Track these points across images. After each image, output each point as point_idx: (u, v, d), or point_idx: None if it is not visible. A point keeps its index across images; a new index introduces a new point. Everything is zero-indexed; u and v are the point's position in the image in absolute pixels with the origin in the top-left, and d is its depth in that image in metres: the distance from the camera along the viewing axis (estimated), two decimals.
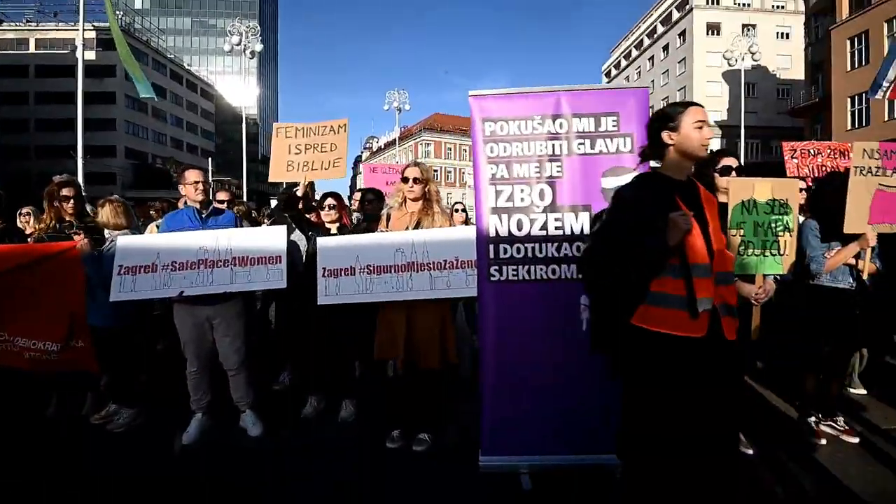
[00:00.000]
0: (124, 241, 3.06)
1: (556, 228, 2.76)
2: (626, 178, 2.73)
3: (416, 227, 3.05)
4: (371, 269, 2.94)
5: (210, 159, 42.46)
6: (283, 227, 3.18)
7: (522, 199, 2.77)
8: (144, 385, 3.76)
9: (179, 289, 2.98)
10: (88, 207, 3.96)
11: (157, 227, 5.23)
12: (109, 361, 3.43)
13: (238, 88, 64.74)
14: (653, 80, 47.87)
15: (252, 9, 72.87)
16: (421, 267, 2.90)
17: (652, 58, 48.54)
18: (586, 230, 2.74)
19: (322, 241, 3.03)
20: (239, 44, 26.91)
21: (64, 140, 43.48)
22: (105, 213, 3.35)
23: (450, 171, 58.84)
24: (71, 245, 3.19)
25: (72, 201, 3.51)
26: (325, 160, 3.41)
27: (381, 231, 3.08)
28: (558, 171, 2.78)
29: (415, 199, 3.09)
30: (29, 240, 3.63)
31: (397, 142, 42.91)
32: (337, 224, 3.55)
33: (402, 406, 3.21)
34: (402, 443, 3.15)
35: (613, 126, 2.77)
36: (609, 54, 57.60)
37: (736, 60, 28.77)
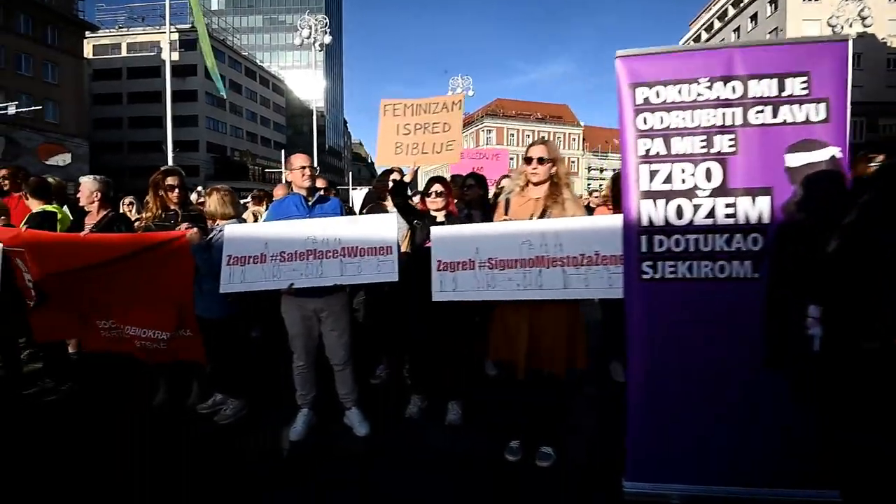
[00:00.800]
0: (232, 230, 2.94)
1: (727, 216, 2.28)
2: (819, 155, 2.22)
3: (542, 215, 2.68)
4: (493, 263, 2.60)
5: (283, 151, 44.33)
6: (393, 216, 2.92)
7: (684, 181, 2.31)
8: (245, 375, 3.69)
9: (289, 281, 2.81)
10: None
11: (254, 215, 5.27)
12: (215, 352, 3.38)
13: (306, 82, 67.06)
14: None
15: (318, 3, 74.79)
16: (553, 262, 2.52)
17: (738, 29, 44.59)
18: (765, 218, 2.24)
19: (437, 231, 2.73)
20: (309, 37, 27.55)
21: (153, 136, 47.29)
22: (213, 202, 3.26)
23: (512, 158, 57.49)
24: (180, 234, 3.13)
25: (176, 190, 3.48)
26: (437, 142, 3.10)
27: (505, 220, 2.72)
28: (730, 146, 2.29)
29: (539, 183, 2.71)
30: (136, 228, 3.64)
31: (461, 127, 42.41)
32: (444, 212, 3.25)
33: (520, 414, 2.89)
34: (523, 455, 2.83)
35: (803, 89, 2.22)
36: (688, 27, 53.63)
37: (842, 27, 25.71)
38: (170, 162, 17.55)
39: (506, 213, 2.82)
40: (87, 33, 37.45)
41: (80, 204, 3.77)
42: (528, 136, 60.00)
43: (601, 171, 66.93)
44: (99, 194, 3.71)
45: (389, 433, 3.20)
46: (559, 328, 2.64)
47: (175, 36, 48.26)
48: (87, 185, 3.71)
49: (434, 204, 3.20)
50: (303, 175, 2.96)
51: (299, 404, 3.21)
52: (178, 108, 47.96)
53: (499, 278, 2.58)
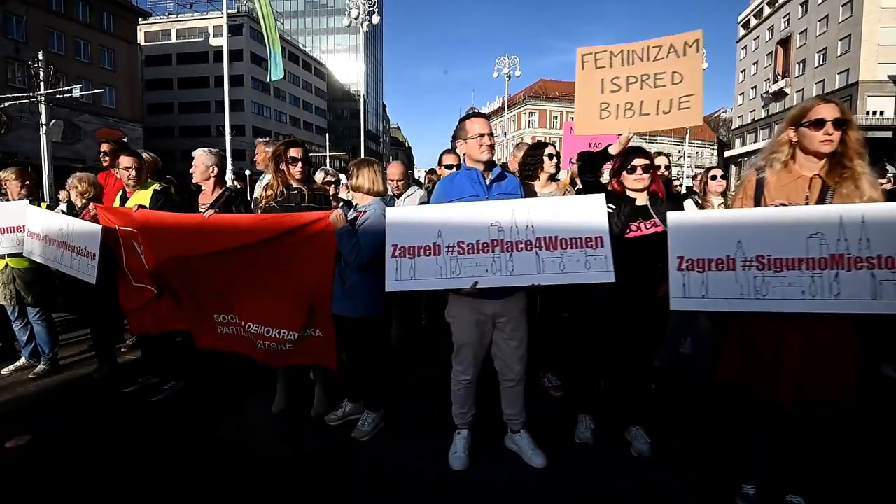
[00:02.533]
0: (395, 214, 2.37)
1: None
2: None
3: (822, 198, 1.98)
4: (764, 262, 1.94)
5: (326, 135, 44.47)
6: (602, 197, 2.28)
7: None
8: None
9: (472, 279, 2.23)
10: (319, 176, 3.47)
11: None
12: (356, 357, 2.89)
13: (347, 66, 66.88)
14: (805, 30, 40.81)
15: None
16: (856, 263, 1.84)
17: (805, 2, 41.10)
18: None
19: (678, 219, 2.06)
20: (357, 17, 27.02)
21: (202, 120, 48.28)
22: (367, 177, 2.71)
23: (554, 142, 55.71)
24: (322, 216, 2.61)
25: (299, 164, 2.99)
26: (665, 99, 2.39)
27: (777, 205, 2.00)
28: None
29: (822, 155, 2.01)
30: (258, 209, 3.18)
31: (506, 109, 41.40)
32: (645, 193, 2.59)
33: (746, 449, 2.26)
34: None
35: None
36: (748, 1, 50.00)
37: None
38: (227, 145, 17.48)
39: (756, 196, 2.13)
40: (140, 20, 38.18)
41: (194, 181, 3.34)
42: (573, 118, 57.71)
43: None
44: (215, 169, 3.29)
45: (567, 464, 2.62)
46: (839, 346, 1.98)
47: (222, 21, 48.96)
48: (203, 159, 3.27)
49: (639, 182, 2.54)
50: (481, 145, 2.35)
51: (457, 424, 2.67)
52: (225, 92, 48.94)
53: (772, 283, 1.91)
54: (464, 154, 2.45)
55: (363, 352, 2.85)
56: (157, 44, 48.93)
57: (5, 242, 3.80)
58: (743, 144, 49.28)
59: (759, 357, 2.08)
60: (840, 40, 36.64)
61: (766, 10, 46.50)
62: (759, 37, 47.84)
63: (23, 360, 4.10)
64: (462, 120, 2.44)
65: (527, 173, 3.30)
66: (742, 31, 50.88)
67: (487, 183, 2.42)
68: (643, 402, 2.79)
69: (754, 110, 48.89)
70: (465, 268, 2.24)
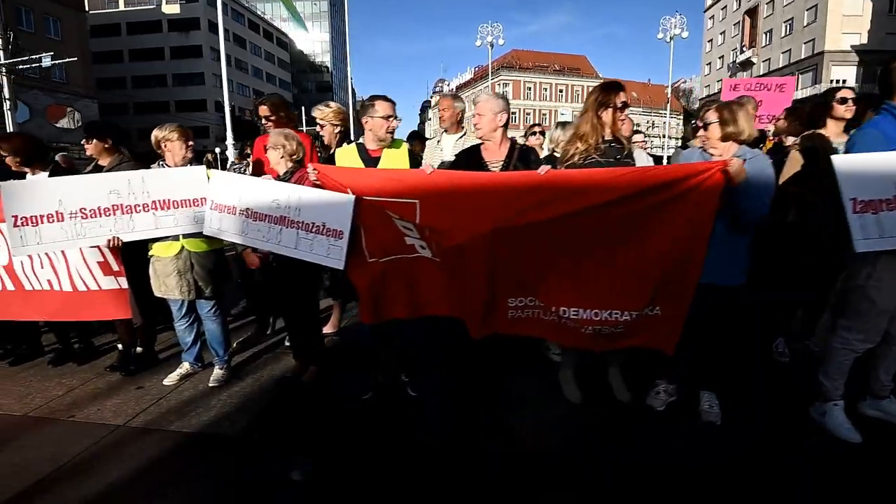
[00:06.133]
0: (849, 162, 2.03)
1: None
2: None
3: None
4: None
5: (302, 109, 42.10)
6: None
7: None
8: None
9: None
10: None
11: None
12: (698, 332, 2.56)
13: (311, 36, 63.49)
14: (772, 0, 41.87)
15: None
16: None
17: None
18: None
19: None
20: None
21: (159, 96, 44.70)
22: (744, 120, 2.32)
23: (529, 113, 55.66)
24: (711, 167, 2.17)
25: (625, 110, 2.63)
26: None
27: None
28: None
29: None
30: (559, 166, 2.71)
31: (490, 77, 40.50)
32: None
33: None
34: None
35: None
36: None
37: None
38: (227, 123, 16.03)
39: None
40: None
41: (479, 135, 2.84)
42: (546, 88, 57.72)
43: None
44: (503, 117, 2.79)
45: None
46: None
47: None
48: (489, 105, 2.77)
49: None
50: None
51: (831, 397, 2.45)
52: (182, 65, 45.55)
53: None
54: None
55: (719, 326, 2.55)
56: (102, 12, 44.76)
57: (182, 220, 3.05)
58: None
59: None
60: (806, 10, 37.81)
61: None
62: (726, 6, 48.79)
63: (186, 365, 3.39)
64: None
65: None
66: (709, 1, 51.75)
67: None
68: None
69: (721, 80, 50.19)
70: None
